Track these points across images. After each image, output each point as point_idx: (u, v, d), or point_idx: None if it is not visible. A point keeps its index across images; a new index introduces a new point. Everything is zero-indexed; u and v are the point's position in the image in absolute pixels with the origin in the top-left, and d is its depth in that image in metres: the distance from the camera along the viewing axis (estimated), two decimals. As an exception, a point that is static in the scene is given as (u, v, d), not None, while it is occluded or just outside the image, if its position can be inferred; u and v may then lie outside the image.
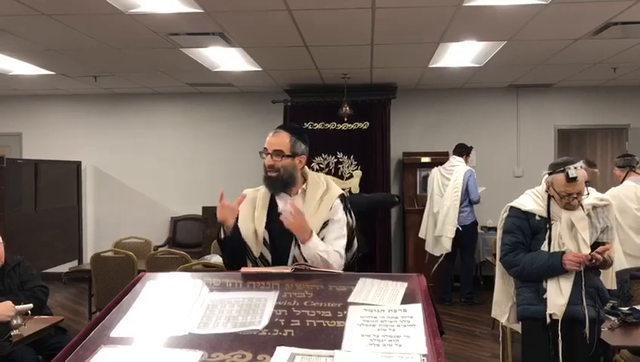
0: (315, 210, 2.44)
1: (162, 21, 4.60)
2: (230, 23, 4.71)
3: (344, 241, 2.46)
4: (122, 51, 5.67)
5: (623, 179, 4.84)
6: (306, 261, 2.31)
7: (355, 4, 4.24)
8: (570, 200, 2.95)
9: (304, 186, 2.50)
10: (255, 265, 2.42)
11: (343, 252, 2.43)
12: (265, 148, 2.46)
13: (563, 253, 2.94)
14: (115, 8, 4.22)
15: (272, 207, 2.48)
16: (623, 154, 5.25)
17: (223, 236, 2.45)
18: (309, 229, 2.33)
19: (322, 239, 2.39)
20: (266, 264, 2.42)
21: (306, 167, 2.57)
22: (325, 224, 2.44)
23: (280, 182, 2.45)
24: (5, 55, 5.82)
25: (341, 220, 2.48)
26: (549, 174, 3.05)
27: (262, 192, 2.53)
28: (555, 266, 2.92)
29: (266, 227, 2.44)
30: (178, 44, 5.36)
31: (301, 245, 2.33)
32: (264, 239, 2.43)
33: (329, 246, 2.38)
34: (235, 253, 2.45)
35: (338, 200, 2.49)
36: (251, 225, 2.45)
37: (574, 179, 2.92)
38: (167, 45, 5.37)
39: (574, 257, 2.88)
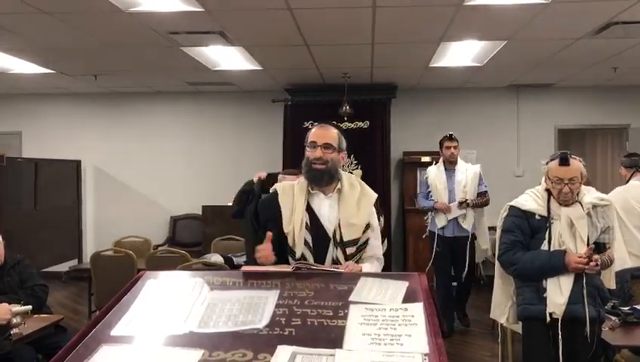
0: (355, 211, 2.45)
1: (162, 19, 4.59)
2: (230, 21, 4.71)
3: (381, 245, 2.59)
4: (122, 50, 5.67)
5: (629, 179, 4.81)
6: (339, 263, 2.38)
7: (356, 3, 4.23)
8: (562, 188, 2.95)
9: (339, 186, 2.49)
10: None
11: (382, 256, 2.57)
12: (313, 142, 2.44)
13: (564, 252, 2.93)
14: (116, 7, 4.21)
15: (309, 208, 2.47)
16: (629, 153, 5.20)
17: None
18: (358, 268, 2.35)
19: (366, 242, 2.47)
20: None
21: None
22: (367, 227, 2.47)
23: (327, 175, 2.44)
24: (5, 53, 5.81)
25: (379, 226, 2.57)
26: (546, 164, 3.08)
27: (297, 190, 2.50)
28: (557, 266, 2.92)
29: (306, 228, 2.43)
30: (178, 43, 5.36)
31: None
32: (305, 240, 2.41)
33: (374, 262, 2.49)
34: None
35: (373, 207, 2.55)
36: (291, 226, 2.43)
37: (566, 161, 2.93)
38: (167, 44, 5.36)
39: (578, 263, 2.87)
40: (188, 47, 5.56)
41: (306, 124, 7.53)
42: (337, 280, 1.97)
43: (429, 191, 5.53)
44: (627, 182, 4.80)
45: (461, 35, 5.16)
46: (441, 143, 5.60)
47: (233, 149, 8.30)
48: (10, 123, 8.57)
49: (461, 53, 5.96)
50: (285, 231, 2.42)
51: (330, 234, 2.42)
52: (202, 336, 1.60)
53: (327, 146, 2.43)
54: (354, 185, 2.53)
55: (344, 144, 2.51)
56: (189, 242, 7.94)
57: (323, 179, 2.44)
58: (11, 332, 3.14)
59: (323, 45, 5.51)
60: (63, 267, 7.24)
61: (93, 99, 8.53)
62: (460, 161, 5.56)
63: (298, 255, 2.39)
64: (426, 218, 5.72)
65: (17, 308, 3.24)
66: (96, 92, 8.31)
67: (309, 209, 2.46)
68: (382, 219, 2.60)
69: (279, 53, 5.88)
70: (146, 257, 5.46)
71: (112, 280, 5.25)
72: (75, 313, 6.45)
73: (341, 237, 2.41)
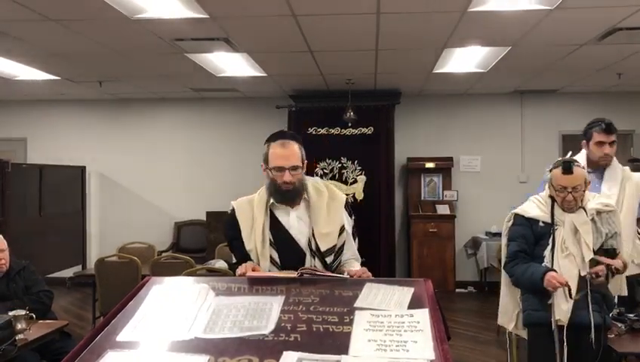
0: (326, 219, 2.36)
1: (168, 26, 4.61)
2: (235, 28, 4.73)
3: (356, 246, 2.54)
4: (127, 56, 5.69)
5: None
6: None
7: (360, 10, 4.25)
8: (566, 195, 2.94)
9: (305, 195, 2.38)
10: None
11: (359, 255, 2.52)
12: (279, 167, 2.28)
13: (548, 270, 2.91)
14: (121, 14, 4.23)
15: (273, 222, 2.37)
16: (632, 158, 5.17)
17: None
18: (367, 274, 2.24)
19: (342, 246, 2.39)
20: None
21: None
22: (341, 230, 2.38)
23: (296, 194, 2.35)
24: (11, 60, 5.84)
25: (350, 228, 2.47)
26: (550, 171, 3.07)
27: (256, 204, 2.39)
28: (535, 282, 2.90)
29: (271, 244, 2.33)
30: (183, 50, 5.37)
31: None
32: (271, 257, 2.31)
33: (355, 263, 2.43)
34: None
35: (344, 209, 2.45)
36: (252, 244, 2.33)
37: (569, 169, 2.92)
38: (172, 50, 5.38)
39: (554, 279, 2.83)
40: (192, 54, 5.58)
41: (310, 130, 7.57)
42: (343, 286, 1.96)
43: None
44: None
45: (465, 41, 5.16)
46: (589, 134, 3.50)
47: (237, 155, 8.31)
48: (15, 129, 8.61)
49: (465, 59, 5.96)
50: (247, 248, 2.34)
51: (303, 246, 2.33)
52: (208, 342, 1.60)
53: (294, 168, 2.30)
54: (321, 191, 2.42)
55: (304, 153, 2.39)
56: (194, 248, 7.94)
57: (295, 198, 2.36)
58: (16, 338, 3.14)
59: (327, 51, 5.52)
60: (68, 273, 7.25)
61: (97, 106, 8.57)
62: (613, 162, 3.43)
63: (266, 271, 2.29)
64: None
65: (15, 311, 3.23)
66: (101, 98, 8.35)
67: (275, 222, 2.36)
68: (352, 219, 2.49)
69: (283, 59, 5.90)
70: (151, 263, 5.47)
71: (117, 286, 5.26)
72: (80, 319, 6.45)
73: (317, 247, 2.31)
